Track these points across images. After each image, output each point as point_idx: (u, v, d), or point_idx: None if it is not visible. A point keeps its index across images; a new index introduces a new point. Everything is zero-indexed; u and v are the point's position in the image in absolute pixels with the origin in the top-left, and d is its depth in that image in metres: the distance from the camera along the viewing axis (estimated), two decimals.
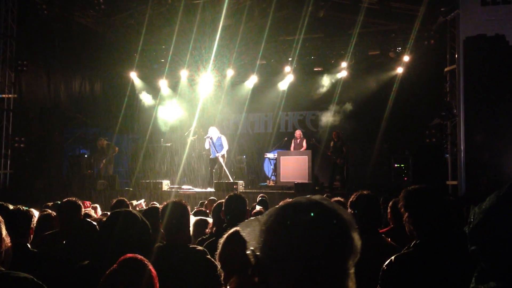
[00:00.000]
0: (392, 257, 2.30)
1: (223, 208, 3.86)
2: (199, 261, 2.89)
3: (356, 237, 1.13)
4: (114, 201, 5.07)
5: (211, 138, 12.71)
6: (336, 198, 4.95)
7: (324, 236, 1.09)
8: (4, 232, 2.24)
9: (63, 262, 2.49)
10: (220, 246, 2.16)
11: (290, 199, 1.22)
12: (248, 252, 1.16)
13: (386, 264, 2.29)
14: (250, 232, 1.18)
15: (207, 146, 12.94)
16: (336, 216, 1.13)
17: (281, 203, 1.21)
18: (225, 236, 2.17)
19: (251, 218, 1.21)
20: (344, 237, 1.11)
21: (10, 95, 13.06)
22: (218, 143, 12.73)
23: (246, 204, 3.93)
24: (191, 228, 5.24)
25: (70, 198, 4.04)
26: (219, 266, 2.10)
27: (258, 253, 1.13)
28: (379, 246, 3.09)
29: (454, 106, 10.88)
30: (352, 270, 1.13)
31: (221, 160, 12.61)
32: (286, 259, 1.08)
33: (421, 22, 12.36)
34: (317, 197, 1.18)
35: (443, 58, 11.96)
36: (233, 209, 3.73)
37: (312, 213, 1.11)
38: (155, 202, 7.13)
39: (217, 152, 12.59)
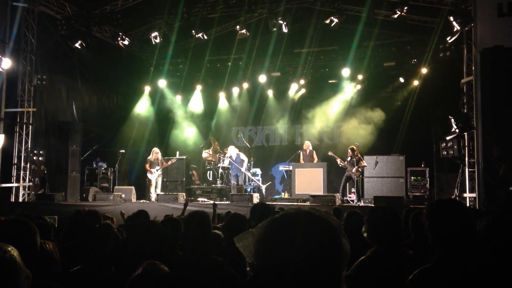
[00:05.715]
0: (415, 272, 2.28)
1: (248, 217, 3.89)
2: (219, 272, 2.89)
3: (344, 241, 1.18)
4: (134, 212, 5.10)
5: (231, 157, 13.17)
6: (353, 210, 4.91)
7: (313, 243, 1.14)
8: (39, 243, 2.23)
9: (89, 273, 2.51)
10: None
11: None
12: (249, 262, 1.21)
13: (410, 279, 2.26)
14: (245, 244, 1.23)
15: (226, 163, 13.50)
16: (324, 223, 1.18)
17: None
18: None
19: (246, 231, 1.26)
20: (333, 242, 1.16)
21: (29, 109, 13.31)
22: (238, 160, 13.14)
23: (271, 212, 3.93)
24: None
25: (90, 209, 4.08)
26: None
27: (255, 263, 1.19)
28: (397, 257, 3.07)
29: (471, 117, 10.77)
30: (343, 273, 1.18)
31: (247, 173, 13.42)
32: (279, 267, 1.13)
33: (437, 34, 12.32)
34: (306, 207, 1.24)
35: (459, 69, 11.88)
36: (259, 217, 3.76)
37: (301, 222, 1.17)
38: (170, 214, 7.11)
39: (240, 168, 13.03)
